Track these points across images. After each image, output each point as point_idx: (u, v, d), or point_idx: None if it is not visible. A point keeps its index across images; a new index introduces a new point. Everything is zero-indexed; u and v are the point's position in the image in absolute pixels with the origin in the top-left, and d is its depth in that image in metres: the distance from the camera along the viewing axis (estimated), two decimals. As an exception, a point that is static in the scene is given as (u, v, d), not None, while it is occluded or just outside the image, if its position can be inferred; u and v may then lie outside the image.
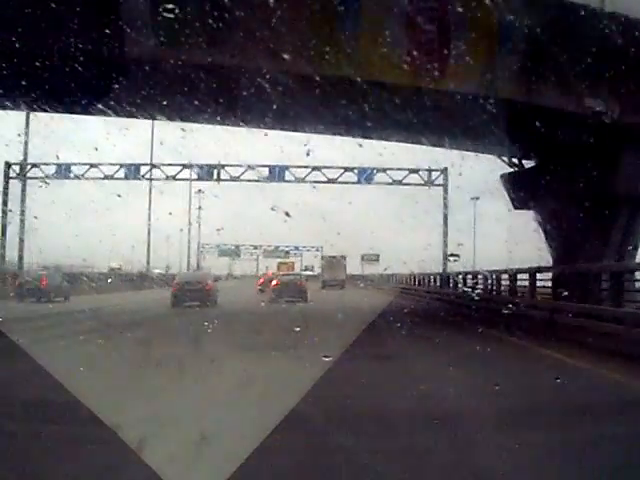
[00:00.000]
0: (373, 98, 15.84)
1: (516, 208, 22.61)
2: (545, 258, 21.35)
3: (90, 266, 34.03)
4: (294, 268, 49.17)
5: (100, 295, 25.79)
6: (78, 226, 32.59)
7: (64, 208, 27.80)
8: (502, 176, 23.12)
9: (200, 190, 42.00)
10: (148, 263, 40.26)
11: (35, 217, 19.17)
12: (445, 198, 32.05)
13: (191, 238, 45.59)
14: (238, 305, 22.91)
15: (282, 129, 19.93)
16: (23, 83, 13.17)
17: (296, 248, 55.84)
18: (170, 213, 44.39)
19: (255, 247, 57.14)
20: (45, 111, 18.28)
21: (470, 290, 20.82)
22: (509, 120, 17.21)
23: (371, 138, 20.98)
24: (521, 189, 21.62)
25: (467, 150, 22.23)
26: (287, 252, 56.32)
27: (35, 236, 20.85)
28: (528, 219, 22.48)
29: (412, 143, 22.27)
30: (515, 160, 23.55)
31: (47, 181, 31.30)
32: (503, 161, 23.46)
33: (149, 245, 37.52)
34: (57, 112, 18.44)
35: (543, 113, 17.03)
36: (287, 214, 13.91)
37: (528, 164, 23.21)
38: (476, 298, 18.36)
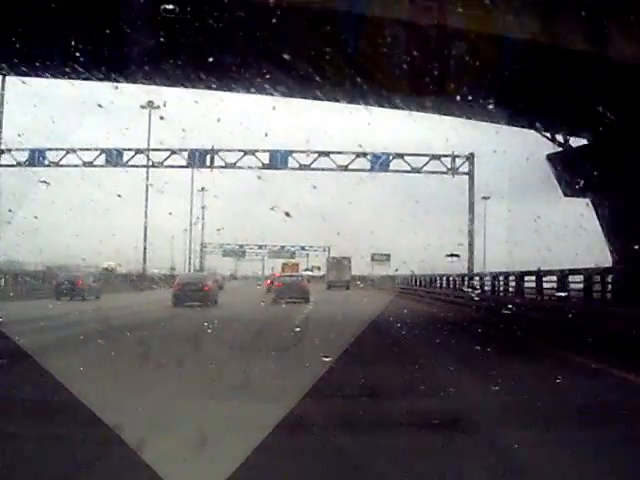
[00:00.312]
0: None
1: (567, 195, 18.64)
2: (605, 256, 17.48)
3: (91, 266, 34.01)
4: (299, 269, 46.99)
5: (112, 295, 27.26)
6: (78, 226, 33.53)
7: (64, 208, 28.55)
8: (549, 157, 19.07)
9: (203, 188, 40.47)
10: (144, 262, 37.97)
11: (35, 217, 17.45)
12: (471, 188, 28.03)
13: (193, 238, 44.75)
14: (238, 307, 22.54)
15: (284, 94, 16.00)
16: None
17: (302, 248, 53.74)
18: (170, 213, 41.73)
19: (260, 247, 54.65)
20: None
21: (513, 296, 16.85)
22: (564, 80, 13.30)
23: (384, 106, 16.94)
24: (575, 172, 17.59)
25: (500, 122, 17.97)
26: (293, 252, 54.25)
27: (35, 236, 20.15)
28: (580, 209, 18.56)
29: (434, 112, 17.90)
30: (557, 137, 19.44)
31: (47, 181, 29.11)
32: (546, 137, 19.31)
33: (145, 244, 35.34)
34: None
35: (614, 70, 13.02)
36: (287, 214, 13.48)
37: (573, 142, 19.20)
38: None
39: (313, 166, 27.31)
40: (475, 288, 22.41)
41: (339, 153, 27.48)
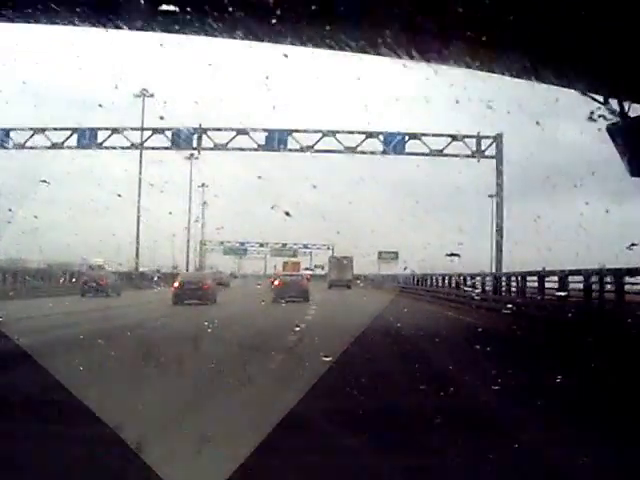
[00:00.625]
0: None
1: (634, 175, 15.00)
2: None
3: (87, 264, 34.35)
4: (300, 268, 46.04)
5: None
6: (78, 224, 33.37)
7: (64, 207, 29.25)
8: (610, 128, 15.31)
9: (203, 184, 39.13)
10: (137, 258, 36.84)
11: (35, 216, 17.23)
12: (499, 175, 24.35)
13: (193, 236, 42.52)
14: (237, 306, 22.49)
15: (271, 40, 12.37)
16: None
17: (305, 246, 52.49)
18: (170, 213, 40.38)
19: (262, 245, 53.40)
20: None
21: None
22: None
23: (383, 55, 13.08)
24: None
25: (538, 80, 13.98)
26: (295, 251, 53.09)
27: (35, 234, 20.01)
28: None
29: (448, 64, 13.45)
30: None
31: (48, 180, 26.74)
32: (597, 101, 15.40)
33: (138, 241, 34.10)
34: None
35: None
36: (287, 213, 13.60)
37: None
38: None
39: (317, 148, 23.66)
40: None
41: (347, 133, 23.81)
